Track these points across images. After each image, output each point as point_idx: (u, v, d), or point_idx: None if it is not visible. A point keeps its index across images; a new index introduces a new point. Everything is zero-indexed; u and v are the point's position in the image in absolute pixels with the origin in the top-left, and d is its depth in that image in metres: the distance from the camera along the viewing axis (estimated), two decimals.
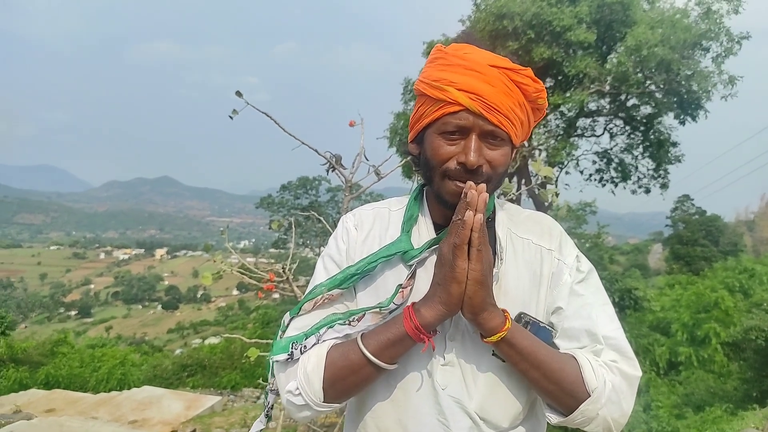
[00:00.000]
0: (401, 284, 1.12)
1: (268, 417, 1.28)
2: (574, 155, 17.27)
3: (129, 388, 14.75)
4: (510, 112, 1.08)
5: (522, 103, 1.11)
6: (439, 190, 1.13)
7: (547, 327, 1.12)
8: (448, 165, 1.10)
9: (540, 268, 1.17)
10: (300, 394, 1.09)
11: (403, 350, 1.07)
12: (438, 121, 1.10)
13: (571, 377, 1.06)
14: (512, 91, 1.08)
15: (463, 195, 1.02)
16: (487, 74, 1.07)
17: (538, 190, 2.92)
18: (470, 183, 1.03)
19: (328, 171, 2.55)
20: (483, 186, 1.02)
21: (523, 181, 16.35)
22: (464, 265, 1.00)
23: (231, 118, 2.18)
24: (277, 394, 1.22)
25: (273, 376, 1.19)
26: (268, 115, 2.27)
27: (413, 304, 1.07)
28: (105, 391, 14.74)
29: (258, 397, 15.48)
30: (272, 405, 1.28)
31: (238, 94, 2.14)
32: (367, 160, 2.66)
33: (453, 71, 1.09)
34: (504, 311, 1.07)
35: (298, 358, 1.11)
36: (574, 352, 1.10)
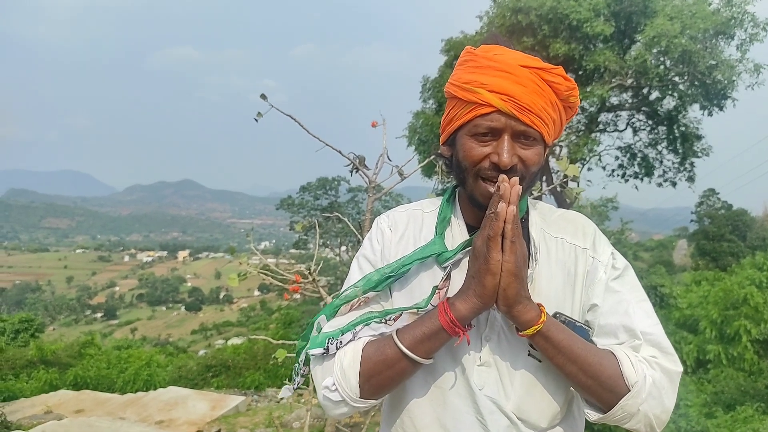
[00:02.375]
0: (437, 286, 1.12)
1: (296, 388, 1.33)
2: (595, 151, 17.05)
3: (155, 389, 14.96)
4: (542, 112, 1.08)
5: (554, 102, 1.10)
6: (472, 191, 1.13)
7: (584, 326, 1.11)
8: (481, 165, 1.10)
9: (574, 267, 1.16)
10: (336, 389, 1.10)
11: (438, 344, 1.07)
12: (470, 123, 1.10)
13: (609, 371, 1.04)
14: (544, 91, 1.08)
15: (496, 188, 1.02)
16: (518, 75, 1.07)
17: (560, 188, 2.88)
18: (503, 176, 1.03)
19: (351, 172, 2.55)
20: (516, 179, 1.01)
21: (544, 178, 16.20)
22: (498, 257, 1.00)
23: (256, 120, 2.19)
24: (304, 377, 1.26)
25: (306, 365, 1.23)
26: (293, 118, 2.27)
27: (448, 298, 1.08)
28: (132, 392, 14.99)
29: (282, 398, 15.59)
30: (299, 384, 1.30)
31: (263, 96, 2.15)
32: (390, 160, 2.66)
33: (483, 73, 1.09)
34: (539, 305, 1.06)
35: (334, 354, 1.12)
36: (613, 347, 1.09)
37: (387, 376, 1.09)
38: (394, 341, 1.08)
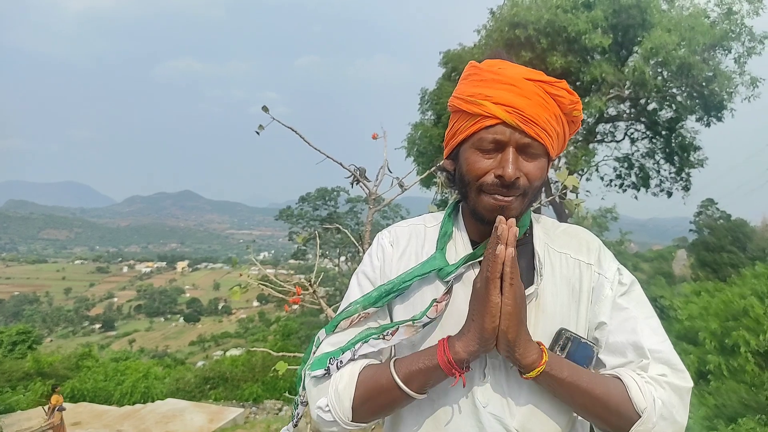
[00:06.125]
0: (436, 298, 1.11)
1: (296, 425, 1.30)
2: (593, 161, 17.12)
3: (153, 401, 14.91)
4: (547, 125, 1.07)
5: (558, 115, 1.10)
6: (475, 205, 1.12)
7: (588, 342, 1.10)
8: (484, 179, 1.08)
9: (579, 283, 1.15)
10: (330, 410, 1.09)
11: (433, 381, 1.07)
12: (474, 136, 1.09)
13: (617, 399, 1.04)
14: (548, 104, 1.08)
15: (494, 229, 1.01)
16: (523, 87, 1.06)
17: (560, 199, 2.89)
18: (500, 217, 1.02)
19: (352, 184, 2.55)
20: (513, 220, 1.01)
21: (543, 189, 16.23)
22: (497, 300, 1.00)
23: (257, 133, 2.19)
24: (307, 406, 1.23)
25: (304, 388, 1.20)
26: (294, 130, 2.28)
27: (449, 337, 1.07)
28: (129, 404, 14.93)
29: (280, 409, 15.50)
30: (301, 415, 1.29)
31: (265, 109, 2.16)
32: (390, 172, 2.67)
33: (488, 86, 1.08)
34: (539, 344, 1.06)
35: (331, 375, 1.12)
36: (619, 371, 1.08)
37: (380, 404, 1.09)
38: (390, 371, 1.07)
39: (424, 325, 1.11)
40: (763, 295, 13.98)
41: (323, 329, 1.19)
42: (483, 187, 1.09)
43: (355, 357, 1.12)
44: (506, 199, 1.07)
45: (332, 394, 1.10)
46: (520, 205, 1.09)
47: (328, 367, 1.12)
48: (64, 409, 10.74)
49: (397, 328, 1.11)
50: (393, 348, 1.18)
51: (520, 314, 1.01)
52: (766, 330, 12.48)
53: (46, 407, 10.57)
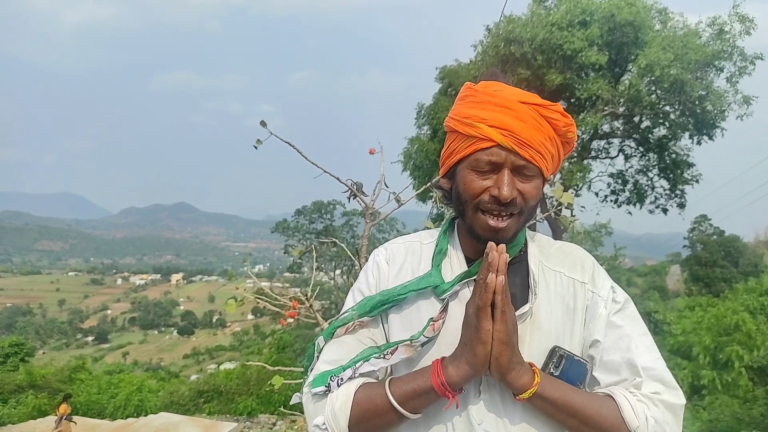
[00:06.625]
0: (432, 317, 1.13)
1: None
2: (588, 178, 17.23)
3: (146, 415, 14.75)
4: (541, 147, 1.09)
5: (552, 137, 1.12)
6: (471, 224, 1.14)
7: (582, 360, 1.12)
8: (481, 198, 1.10)
9: (573, 301, 1.17)
10: (326, 429, 1.11)
11: (427, 403, 1.09)
12: (470, 157, 1.11)
13: (610, 420, 1.06)
14: (542, 126, 1.10)
15: (484, 255, 1.03)
16: (518, 110, 1.08)
17: (555, 215, 2.94)
18: (491, 244, 1.03)
19: (349, 198, 2.59)
20: (503, 247, 1.03)
21: (539, 207, 16.30)
22: (488, 327, 1.01)
23: (256, 147, 2.24)
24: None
25: (307, 374, 1.23)
26: (292, 145, 2.33)
27: (443, 359, 1.09)
28: (122, 418, 14.76)
29: (274, 424, 15.38)
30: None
31: (263, 123, 2.20)
32: (387, 187, 2.71)
33: (483, 108, 1.10)
34: (532, 365, 1.07)
35: (332, 391, 1.13)
36: (612, 390, 1.10)
37: (375, 424, 1.11)
38: (385, 391, 1.09)
39: (423, 345, 1.12)
40: (755, 311, 14.03)
41: (321, 336, 1.22)
42: (480, 206, 1.11)
43: (356, 375, 1.13)
44: (501, 224, 1.09)
45: (329, 413, 1.11)
46: (516, 225, 1.11)
47: (329, 383, 1.13)
48: (71, 420, 10.79)
49: (397, 347, 1.13)
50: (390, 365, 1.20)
51: (511, 340, 1.03)
52: (759, 345, 12.51)
53: (57, 411, 10.75)
